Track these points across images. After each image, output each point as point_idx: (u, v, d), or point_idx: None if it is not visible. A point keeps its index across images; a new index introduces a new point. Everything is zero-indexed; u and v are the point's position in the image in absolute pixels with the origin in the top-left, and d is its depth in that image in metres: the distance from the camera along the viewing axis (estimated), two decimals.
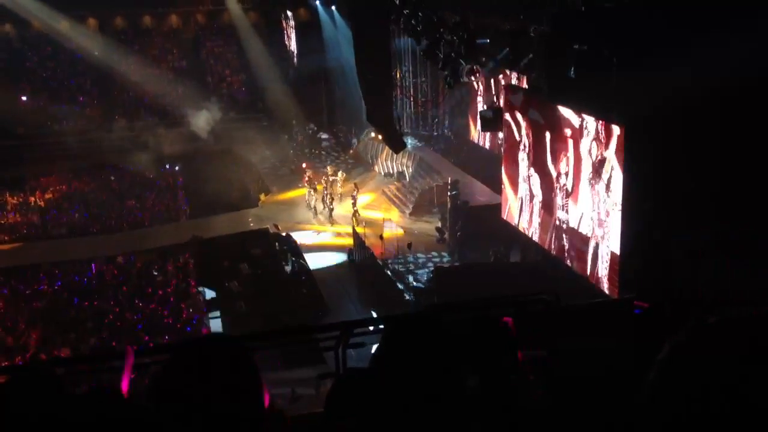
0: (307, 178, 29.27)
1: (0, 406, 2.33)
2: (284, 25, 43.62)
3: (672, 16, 12.00)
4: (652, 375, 1.27)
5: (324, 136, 38.29)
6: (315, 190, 28.07)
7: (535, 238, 17.50)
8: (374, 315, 18.54)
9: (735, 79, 10.13)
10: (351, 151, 35.58)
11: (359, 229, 24.47)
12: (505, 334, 2.94)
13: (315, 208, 27.87)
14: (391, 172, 31.03)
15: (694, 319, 1.28)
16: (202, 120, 36.93)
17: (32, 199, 32.08)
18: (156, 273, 23.51)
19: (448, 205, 23.76)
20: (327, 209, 27.16)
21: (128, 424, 2.09)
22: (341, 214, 27.23)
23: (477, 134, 28.08)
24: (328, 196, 27.36)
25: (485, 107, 23.08)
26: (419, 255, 23.03)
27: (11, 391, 2.37)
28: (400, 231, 23.87)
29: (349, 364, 5.59)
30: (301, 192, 30.21)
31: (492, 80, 24.77)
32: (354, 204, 26.14)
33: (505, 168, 18.95)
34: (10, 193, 32.16)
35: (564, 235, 15.99)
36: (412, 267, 22.43)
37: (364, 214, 26.40)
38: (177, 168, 34.62)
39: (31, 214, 30.34)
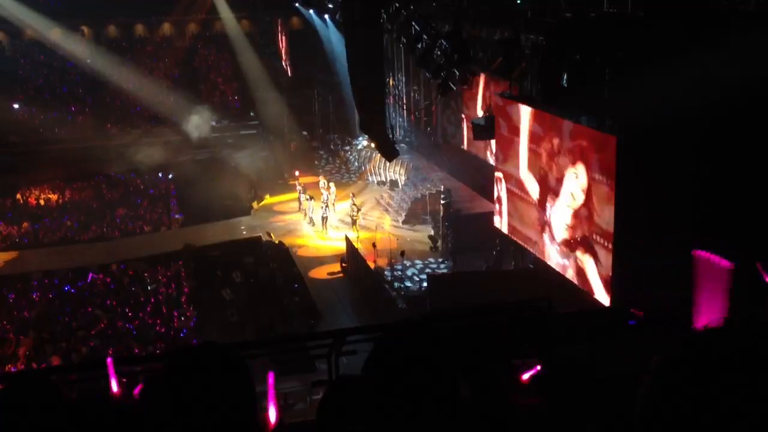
0: (301, 187, 29.26)
1: None
2: (277, 33, 43.69)
3: (665, 28, 12.06)
4: (644, 385, 1.28)
5: (316, 144, 38.27)
6: (310, 198, 28.03)
7: (527, 245, 17.52)
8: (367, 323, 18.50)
9: (728, 89, 10.18)
10: (344, 160, 35.59)
11: (352, 238, 24.44)
12: (499, 343, 2.94)
13: (311, 217, 27.79)
14: (384, 180, 31.04)
15: (684, 329, 1.29)
16: (195, 123, 36.89)
17: (24, 207, 31.96)
18: (148, 281, 23.43)
19: (441, 213, 23.77)
20: (321, 218, 27.11)
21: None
22: (335, 223, 27.20)
23: (470, 143, 28.12)
24: (323, 205, 27.30)
25: (478, 116, 23.11)
26: (412, 263, 23.01)
27: (8, 399, 2.35)
28: (393, 239, 23.84)
29: (341, 372, 5.58)
30: (294, 200, 30.17)
31: (485, 89, 24.83)
32: (356, 211, 26.08)
33: (497, 176, 18.98)
34: (2, 200, 32.05)
35: (555, 243, 16.01)
36: (404, 275, 22.41)
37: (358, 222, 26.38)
38: (169, 176, 34.55)
39: (23, 222, 30.21)
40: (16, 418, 2.25)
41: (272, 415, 3.56)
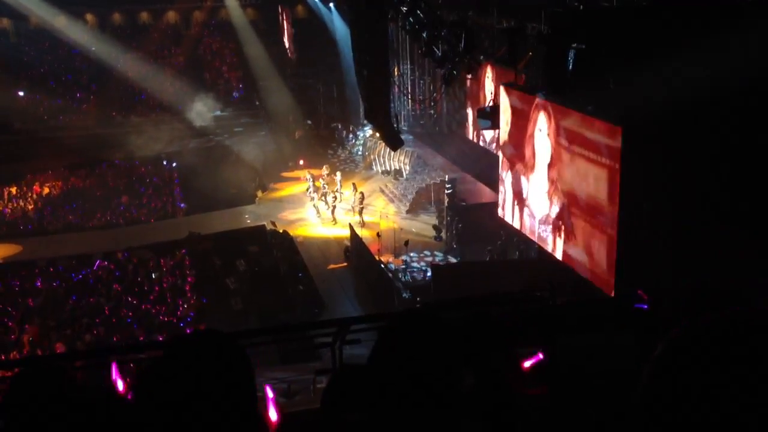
0: (307, 176, 29.25)
1: (9, 400, 2.31)
2: (282, 21, 43.61)
3: (669, 19, 12.01)
4: (646, 372, 1.27)
5: (318, 132, 38.03)
6: (316, 189, 28.03)
7: (532, 236, 17.50)
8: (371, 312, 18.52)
9: (732, 81, 10.14)
10: (347, 149, 35.54)
11: (357, 227, 24.45)
12: (501, 332, 2.93)
13: (317, 207, 27.78)
14: (389, 169, 31.01)
15: (687, 316, 1.28)
16: (198, 111, 36.93)
17: (29, 194, 32.04)
18: (152, 269, 23.48)
19: (445, 203, 23.75)
20: (330, 207, 27.11)
21: (126, 425, 2.07)
22: (340, 212, 27.21)
23: (474, 132, 28.08)
24: (330, 195, 27.30)
25: (483, 105, 23.06)
26: (416, 253, 23.02)
27: (20, 386, 2.35)
28: (397, 227, 23.86)
29: (344, 361, 5.58)
30: (298, 189, 30.18)
31: (490, 78, 24.77)
32: (360, 202, 26.07)
33: (501, 166, 18.95)
34: (7, 188, 32.13)
35: (561, 233, 15.99)
36: (409, 264, 22.42)
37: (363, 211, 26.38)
38: (174, 164, 34.58)
39: (28, 209, 30.29)
40: (27, 403, 2.25)
41: (273, 414, 3.57)
